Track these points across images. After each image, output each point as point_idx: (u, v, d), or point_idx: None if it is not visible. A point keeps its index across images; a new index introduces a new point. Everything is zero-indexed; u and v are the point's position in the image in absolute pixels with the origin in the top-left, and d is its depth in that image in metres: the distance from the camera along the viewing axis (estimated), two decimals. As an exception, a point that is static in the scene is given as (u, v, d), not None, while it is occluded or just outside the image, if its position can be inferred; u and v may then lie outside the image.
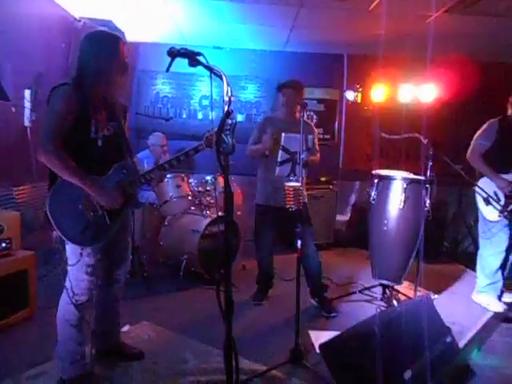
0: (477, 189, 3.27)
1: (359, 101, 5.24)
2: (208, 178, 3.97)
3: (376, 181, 3.17)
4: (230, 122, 1.38)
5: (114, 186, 1.95)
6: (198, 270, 3.55)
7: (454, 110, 5.27)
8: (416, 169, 3.23)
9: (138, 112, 4.56)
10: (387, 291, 3.21)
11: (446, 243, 5.13)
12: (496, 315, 3.17)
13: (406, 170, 3.41)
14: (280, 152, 2.25)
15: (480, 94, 5.03)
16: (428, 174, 2.95)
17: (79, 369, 2.02)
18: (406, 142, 5.06)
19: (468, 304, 3.35)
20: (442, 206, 4.93)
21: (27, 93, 3.51)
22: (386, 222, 3.08)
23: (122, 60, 1.93)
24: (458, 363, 2.37)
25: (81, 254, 1.90)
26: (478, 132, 3.30)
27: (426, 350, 2.10)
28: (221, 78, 1.41)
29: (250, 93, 5.43)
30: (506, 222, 3.17)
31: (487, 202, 3.22)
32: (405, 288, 3.42)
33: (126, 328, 2.69)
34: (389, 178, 3.13)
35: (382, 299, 3.25)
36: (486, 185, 3.20)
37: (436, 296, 3.43)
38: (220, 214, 3.84)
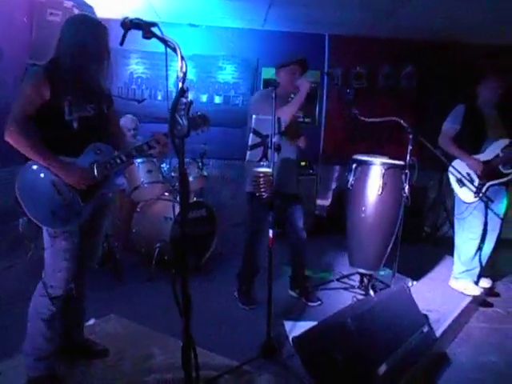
0: (450, 169, 3.26)
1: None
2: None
3: (354, 166, 3.06)
4: (184, 100, 1.22)
5: (86, 167, 1.88)
6: (172, 258, 3.41)
7: (436, 92, 5.19)
8: (399, 153, 3.14)
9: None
10: (365, 279, 3.14)
11: (425, 228, 5.12)
12: (474, 299, 3.16)
13: (389, 154, 3.32)
14: (251, 135, 2.12)
15: (460, 78, 4.96)
16: (407, 159, 2.85)
17: (44, 368, 1.90)
18: (388, 126, 4.98)
19: (446, 290, 3.32)
20: (422, 191, 4.90)
21: (-16, 70, 3.27)
22: (363, 208, 2.98)
23: (102, 46, 1.88)
24: (435, 352, 2.33)
25: (55, 237, 1.84)
26: (448, 116, 3.32)
27: (402, 343, 2.03)
28: (175, 51, 1.25)
29: (228, 73, 5.21)
30: (478, 205, 3.17)
31: (461, 183, 3.22)
32: (383, 275, 3.36)
33: (91, 322, 2.55)
34: (367, 163, 3.02)
35: (359, 287, 3.18)
36: (458, 166, 3.21)
37: (414, 283, 3.39)
38: (195, 199, 3.71)
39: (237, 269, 3.06)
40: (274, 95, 2.10)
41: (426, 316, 2.59)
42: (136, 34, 1.49)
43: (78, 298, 2.11)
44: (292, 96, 2.84)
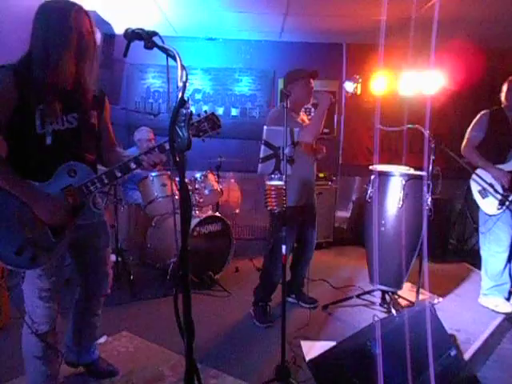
0: (473, 179, 3.12)
1: (359, 92, 5.00)
2: (197, 175, 3.75)
3: (373, 177, 2.93)
4: (184, 112, 1.15)
5: (58, 194, 1.59)
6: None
7: (460, 100, 5.01)
8: (420, 164, 3.00)
9: (126, 107, 4.36)
10: (386, 296, 2.98)
11: (452, 241, 4.89)
12: (506, 317, 2.96)
13: (410, 164, 3.19)
14: (262, 147, 2.04)
15: (487, 83, 4.77)
16: (430, 169, 2.71)
17: None
18: (409, 136, 4.83)
19: (475, 308, 3.12)
20: (448, 202, 4.69)
21: None
22: (383, 222, 2.84)
23: (84, 37, 1.54)
24: (464, 376, 2.16)
25: (22, 277, 1.60)
26: (471, 124, 3.18)
27: (427, 367, 1.88)
28: (175, 60, 1.19)
29: (245, 85, 5.19)
30: (503, 217, 3.01)
31: (484, 194, 3.08)
32: (407, 291, 3.19)
33: (102, 339, 2.50)
34: (386, 174, 2.89)
35: (381, 305, 3.02)
36: (481, 176, 3.06)
37: (440, 299, 3.21)
38: (211, 213, 3.64)
39: (253, 284, 2.97)
40: (285, 105, 2.02)
41: (453, 337, 2.42)
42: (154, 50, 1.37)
43: (88, 316, 2.03)
44: (308, 107, 2.79)
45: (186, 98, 1.17)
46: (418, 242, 2.81)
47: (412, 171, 2.93)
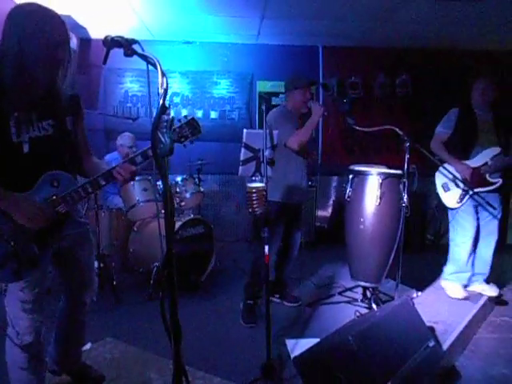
0: (436, 175, 3.28)
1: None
2: (178, 179, 3.76)
3: (351, 177, 3.01)
4: (165, 117, 1.18)
5: (41, 204, 1.56)
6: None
7: (431, 100, 5.17)
8: (398, 162, 3.10)
9: (103, 112, 4.32)
10: (367, 292, 3.06)
11: (429, 236, 5.04)
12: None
13: (388, 163, 3.29)
14: (242, 150, 2.08)
15: (456, 82, 4.95)
16: (405, 168, 2.80)
17: None
18: (385, 135, 4.94)
19: (452, 300, 3.23)
20: (424, 199, 4.84)
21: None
22: (362, 220, 2.91)
23: (58, 42, 1.49)
24: (443, 366, 2.24)
25: (5, 290, 1.55)
26: (441, 121, 3.32)
27: (408, 359, 1.94)
28: (155, 67, 1.21)
29: (223, 88, 5.21)
30: (466, 209, 3.17)
31: (446, 188, 3.23)
32: (387, 287, 3.28)
33: (87, 346, 2.47)
34: (364, 174, 2.97)
35: (362, 301, 3.10)
36: (446, 171, 3.21)
37: (419, 293, 3.30)
38: (192, 216, 3.65)
39: (237, 285, 3.02)
40: (264, 108, 2.06)
41: (432, 329, 2.51)
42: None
43: (74, 324, 2.00)
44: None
45: (167, 105, 1.19)
46: (396, 238, 2.90)
47: (388, 170, 3.01)
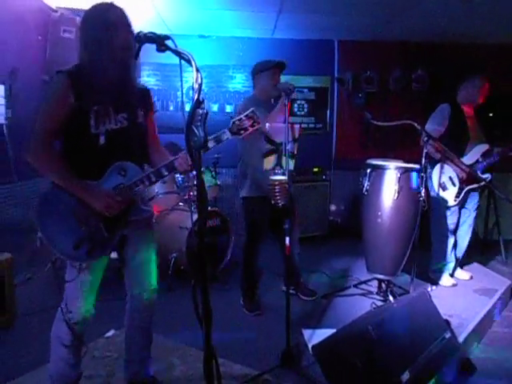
0: (433, 174, 3.34)
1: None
2: (194, 171, 3.81)
3: (368, 171, 3.03)
4: (200, 112, 1.23)
5: (114, 192, 1.67)
6: (188, 268, 3.42)
7: (448, 95, 5.13)
8: (414, 157, 3.13)
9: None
10: (383, 285, 3.10)
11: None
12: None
13: (403, 158, 3.32)
14: (264, 143, 2.12)
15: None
16: (423, 162, 2.82)
17: None
18: (402, 130, 4.94)
19: (467, 295, 3.26)
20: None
21: (1, 89, 3.34)
22: (379, 213, 2.94)
23: (126, 39, 1.59)
24: (458, 357, 2.27)
25: (79, 270, 1.67)
26: (431, 117, 3.35)
27: (424, 350, 1.99)
28: (189, 63, 1.26)
29: (238, 82, 5.25)
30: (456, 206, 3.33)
31: (444, 187, 3.31)
32: (402, 280, 3.31)
33: (110, 333, 2.57)
34: (382, 168, 2.99)
35: (377, 293, 3.14)
36: (441, 169, 3.30)
37: (434, 287, 3.33)
38: (209, 209, 3.71)
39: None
40: (286, 101, 2.10)
41: (447, 321, 2.54)
42: (147, 47, 1.47)
43: (136, 324, 2.03)
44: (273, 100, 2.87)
45: (201, 99, 1.24)
46: (413, 232, 2.92)
47: (406, 165, 3.03)
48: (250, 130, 1.71)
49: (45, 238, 1.66)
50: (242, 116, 1.69)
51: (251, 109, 1.70)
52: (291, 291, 3.15)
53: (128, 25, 1.64)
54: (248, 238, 2.99)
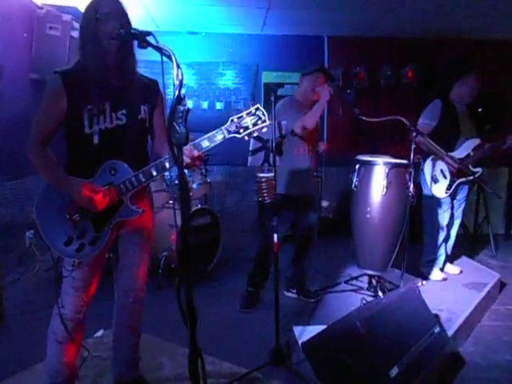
0: (425, 167, 3.37)
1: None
2: (185, 170, 3.78)
3: (357, 166, 3.04)
4: (181, 108, 1.21)
5: (92, 185, 1.65)
6: (177, 266, 3.41)
7: (437, 90, 5.15)
8: (403, 152, 3.15)
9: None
10: (373, 281, 3.11)
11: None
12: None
13: (393, 154, 3.33)
14: (251, 140, 2.11)
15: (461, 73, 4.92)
16: (411, 158, 2.83)
17: None
18: (389, 126, 4.95)
19: (456, 289, 3.27)
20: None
21: (-14, 87, 3.28)
22: (368, 209, 2.95)
23: (107, 25, 1.52)
24: (448, 351, 2.29)
25: (72, 266, 1.67)
26: (423, 112, 3.39)
27: (413, 345, 1.99)
28: (170, 59, 1.24)
29: (228, 79, 5.22)
30: (447, 200, 3.38)
31: (435, 180, 3.35)
32: (392, 276, 3.32)
33: (99, 333, 2.55)
34: (370, 163, 3.00)
35: (368, 289, 3.15)
36: (432, 164, 3.34)
37: (424, 282, 3.35)
38: (200, 206, 3.70)
39: (244, 274, 3.06)
40: (273, 99, 2.09)
41: (437, 316, 2.55)
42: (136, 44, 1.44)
43: (125, 323, 2.02)
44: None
45: (182, 96, 1.22)
46: (402, 227, 2.94)
47: (394, 160, 3.04)
48: (252, 129, 1.56)
49: (41, 232, 1.68)
50: (243, 113, 1.56)
51: (256, 105, 1.57)
52: (293, 295, 3.16)
53: (121, 15, 1.56)
54: (261, 238, 2.99)
